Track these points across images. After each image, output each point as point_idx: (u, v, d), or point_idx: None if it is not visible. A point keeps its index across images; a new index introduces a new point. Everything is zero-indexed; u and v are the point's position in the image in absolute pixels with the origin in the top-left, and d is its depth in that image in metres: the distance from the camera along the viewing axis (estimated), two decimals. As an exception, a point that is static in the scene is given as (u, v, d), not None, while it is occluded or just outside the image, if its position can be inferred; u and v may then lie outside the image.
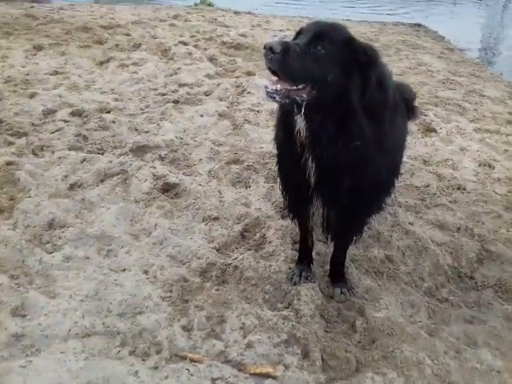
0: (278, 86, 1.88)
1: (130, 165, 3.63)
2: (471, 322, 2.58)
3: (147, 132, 4.30)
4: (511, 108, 5.77)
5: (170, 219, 3.09)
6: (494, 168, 4.21)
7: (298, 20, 9.66)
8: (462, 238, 3.18)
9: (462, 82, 6.54)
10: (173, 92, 5.24)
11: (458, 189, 3.82)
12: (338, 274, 2.71)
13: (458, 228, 3.30)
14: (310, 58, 1.88)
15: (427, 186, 3.82)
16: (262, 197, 3.48)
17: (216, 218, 3.16)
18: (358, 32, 8.76)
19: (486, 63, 8.74)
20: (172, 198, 3.36)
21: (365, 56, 1.94)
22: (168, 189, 3.45)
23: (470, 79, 6.78)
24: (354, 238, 2.60)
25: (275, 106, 5.01)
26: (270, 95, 1.89)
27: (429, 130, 4.88)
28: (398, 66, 6.94)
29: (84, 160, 3.65)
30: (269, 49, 1.79)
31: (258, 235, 3.05)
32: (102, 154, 3.81)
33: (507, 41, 11.25)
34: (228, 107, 5.00)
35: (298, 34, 2.03)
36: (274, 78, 1.91)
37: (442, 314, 2.64)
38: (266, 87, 1.90)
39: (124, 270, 2.66)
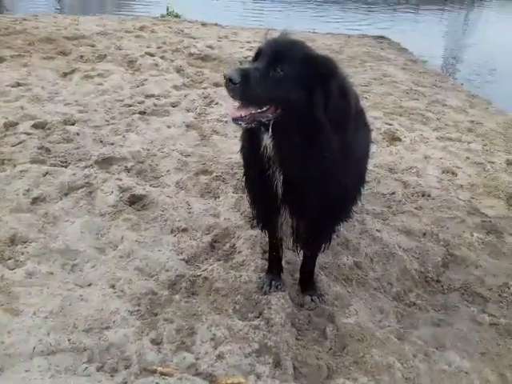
0: (242, 113, 1.89)
1: (95, 177, 3.55)
2: (439, 325, 2.63)
3: (113, 144, 4.24)
4: (472, 117, 5.98)
5: (137, 232, 3.04)
6: (456, 175, 4.33)
7: (265, 32, 9.78)
8: (428, 244, 3.25)
9: (425, 92, 6.74)
10: (139, 103, 5.19)
11: (423, 195, 3.92)
12: (307, 282, 2.71)
13: (424, 234, 3.38)
14: (271, 81, 1.90)
15: (393, 193, 3.90)
16: (231, 207, 3.46)
17: (185, 230, 3.12)
18: (324, 44, 8.96)
19: (448, 73, 9.07)
20: (139, 210, 3.31)
21: (323, 69, 1.97)
22: (135, 201, 3.39)
23: (433, 89, 7.00)
24: (323, 246, 2.61)
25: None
26: (235, 122, 1.92)
27: (394, 138, 5.00)
28: (363, 78, 7.11)
29: (47, 173, 3.54)
30: (228, 79, 1.80)
31: (227, 245, 3.03)
32: (66, 167, 3.72)
33: (468, 51, 11.71)
34: (196, 118, 4.99)
35: (257, 55, 2.03)
36: (237, 104, 1.92)
37: (410, 318, 2.68)
38: (230, 115, 1.92)
39: (90, 284, 2.58)
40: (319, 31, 10.55)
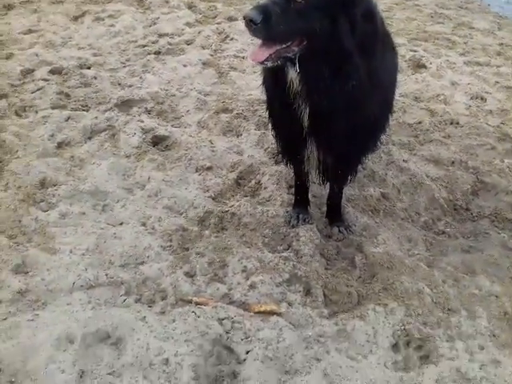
0: (267, 52, 1.83)
1: (117, 120, 3.53)
2: (468, 252, 2.63)
3: (131, 86, 4.16)
4: (501, 39, 5.65)
5: (162, 171, 3.05)
6: (485, 100, 4.16)
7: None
8: (457, 172, 3.19)
9: (450, 15, 6.35)
10: (153, 43, 5.03)
11: (451, 123, 3.80)
12: (335, 214, 2.72)
13: (453, 162, 3.30)
14: (293, 14, 1.80)
15: (420, 122, 3.79)
16: (254, 144, 3.43)
17: (209, 168, 3.12)
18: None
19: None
20: (163, 151, 3.30)
21: None
22: (158, 141, 3.38)
23: (458, 12, 6.59)
24: (350, 177, 2.59)
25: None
26: (261, 63, 1.87)
27: (419, 65, 4.77)
28: (384, 2, 6.71)
29: (69, 118, 3.54)
30: (249, 21, 1.72)
31: (252, 182, 3.03)
32: (87, 111, 3.69)
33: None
34: (212, 55, 4.84)
35: None
36: (260, 43, 1.85)
37: (439, 245, 2.68)
38: (255, 58, 1.86)
39: (121, 223, 2.64)
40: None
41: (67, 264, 2.27)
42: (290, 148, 2.47)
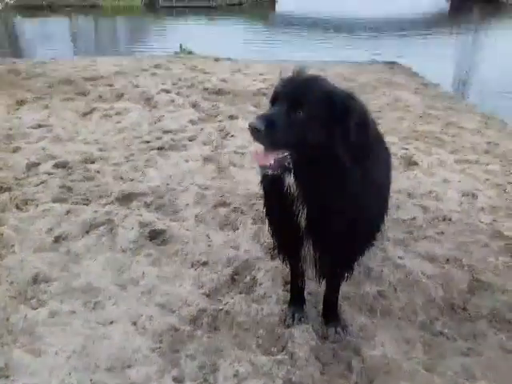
0: (271, 161, 1.94)
1: (116, 214, 3.61)
2: (467, 355, 2.55)
3: (132, 180, 4.32)
4: (488, 138, 5.93)
5: (158, 267, 3.05)
6: (477, 197, 4.27)
7: (276, 64, 9.98)
8: (452, 269, 3.19)
9: (439, 116, 6.73)
10: (157, 139, 5.30)
11: (444, 220, 3.86)
12: (331, 313, 2.67)
13: (447, 259, 3.31)
14: (292, 125, 1.93)
15: (413, 218, 3.86)
16: (251, 238, 3.47)
17: (205, 263, 3.13)
18: (335, 72, 9.06)
19: (460, 96, 9.06)
20: (159, 245, 3.33)
21: (342, 106, 1.97)
22: (155, 236, 3.42)
23: (447, 112, 6.99)
24: (346, 275, 2.59)
25: (259, 148, 5.13)
26: (263, 169, 1.99)
27: (410, 163, 4.97)
28: (375, 103, 7.14)
29: (69, 212, 3.62)
30: (254, 128, 1.87)
31: (248, 278, 3.02)
32: (87, 205, 3.79)
33: (479, 72, 11.72)
34: (212, 151, 5.06)
35: (275, 98, 2.05)
36: (263, 150, 1.98)
37: (437, 348, 2.60)
38: (259, 162, 1.99)
39: (112, 322, 2.59)
40: (330, 60, 10.71)
41: (51, 367, 2.20)
42: (286, 246, 2.50)
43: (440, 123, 6.40)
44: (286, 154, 1.96)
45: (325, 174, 2.00)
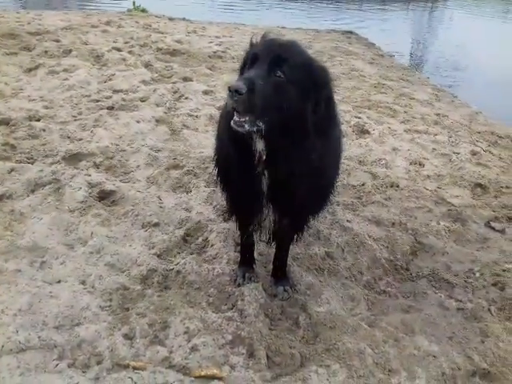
0: (246, 118, 1.86)
1: (63, 173, 3.47)
2: (408, 312, 2.70)
3: (80, 139, 4.15)
4: (438, 109, 6.14)
5: (107, 227, 2.99)
6: (423, 166, 4.44)
7: (234, 27, 9.76)
8: (397, 233, 3.33)
9: (393, 86, 6.87)
10: (106, 98, 5.09)
11: (392, 186, 4.00)
12: (280, 273, 2.74)
13: (393, 223, 3.45)
14: (272, 88, 1.87)
15: (363, 184, 3.97)
16: (204, 201, 3.45)
17: (156, 224, 3.09)
18: (294, 38, 8.98)
19: (414, 68, 9.27)
20: (109, 206, 3.25)
21: (319, 78, 1.96)
22: (104, 196, 3.33)
23: (400, 83, 7.14)
24: (298, 236, 2.65)
25: (213, 111, 5.03)
26: (238, 125, 1.88)
27: (362, 131, 5.08)
28: (332, 72, 7.16)
29: (12, 170, 3.45)
30: (234, 91, 1.77)
31: (200, 239, 3.02)
32: (32, 164, 3.62)
33: (433, 46, 11.99)
34: (165, 113, 4.94)
35: (254, 59, 1.97)
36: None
37: (380, 305, 2.74)
38: (234, 119, 1.88)
39: (59, 281, 2.53)
40: (288, 26, 10.58)
41: (-4, 325, 2.13)
42: (243, 210, 2.50)
43: (393, 94, 6.54)
44: (262, 118, 1.90)
45: (292, 140, 1.99)
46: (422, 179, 4.22)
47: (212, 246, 2.94)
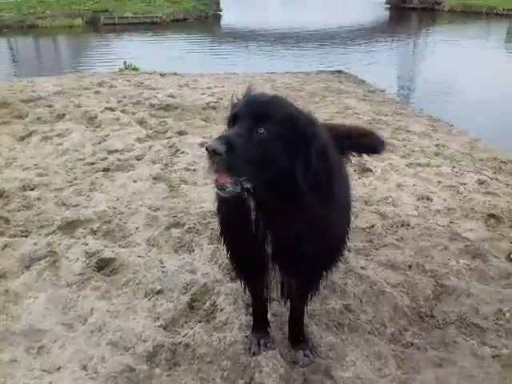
0: (228, 180, 1.73)
1: (59, 244, 3.32)
2: (441, 366, 2.47)
3: (76, 205, 4.02)
4: (436, 140, 6.06)
5: (107, 300, 2.79)
6: (432, 200, 4.29)
7: (225, 77, 9.89)
8: (416, 276, 3.13)
9: (388, 121, 6.83)
10: (102, 160, 5.02)
11: (402, 225, 3.83)
12: (298, 335, 2.52)
13: (410, 266, 3.26)
14: (254, 147, 1.75)
15: (372, 226, 3.80)
16: (208, 260, 3.28)
17: (160, 291, 2.90)
18: (284, 83, 9.09)
19: (406, 100, 9.34)
20: (109, 276, 3.07)
21: (304, 131, 1.84)
22: (103, 265, 3.15)
23: (394, 117, 7.11)
24: (313, 295, 2.45)
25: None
26: (220, 188, 1.75)
27: (364, 170, 4.96)
28: (325, 112, 7.17)
29: (6, 246, 3.30)
30: (212, 152, 1.65)
31: (207, 303, 2.82)
32: (27, 237, 3.47)
33: (421, 77, 12.14)
34: (162, 169, 4.84)
35: (234, 118, 1.87)
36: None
37: (410, 361, 2.51)
38: (216, 182, 1.75)
39: (59, 368, 2.32)
40: (278, 71, 10.74)
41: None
42: (249, 272, 2.33)
43: (389, 128, 6.49)
44: (245, 177, 1.77)
45: (284, 199, 1.84)
46: (432, 215, 4.05)
47: (221, 310, 2.74)
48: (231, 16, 27.83)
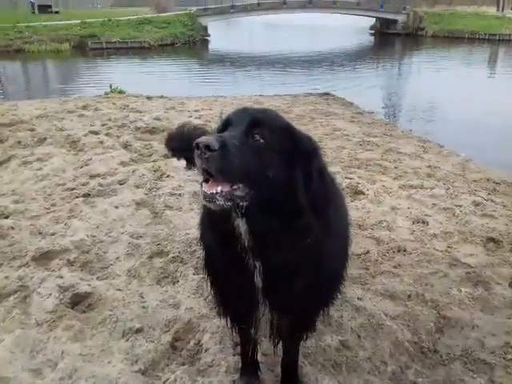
0: (219, 188, 1.50)
1: (32, 278, 3.06)
2: (448, 409, 2.25)
3: (53, 234, 3.77)
4: (428, 161, 5.94)
5: (80, 342, 2.52)
6: (427, 224, 4.12)
7: (213, 99, 9.78)
8: (416, 307, 2.92)
9: (378, 142, 6.72)
10: (83, 185, 4.79)
11: (399, 251, 3.64)
12: (292, 379, 2.28)
13: (409, 296, 3.06)
14: (249, 151, 1.55)
15: (367, 252, 3.61)
16: (193, 292, 3.04)
17: (139, 330, 2.64)
18: (272, 105, 8.99)
19: (392, 119, 9.34)
20: (84, 313, 2.81)
21: (306, 147, 1.67)
22: (78, 301, 2.90)
23: (384, 139, 7.01)
24: (308, 334, 2.22)
25: (197, 187, 4.73)
26: (209, 199, 1.50)
27: (356, 192, 4.79)
28: (314, 134, 7.04)
29: (-28, 280, 3.03)
30: (204, 147, 1.43)
31: (191, 343, 2.57)
32: (-3, 270, 3.21)
33: (407, 99, 12.17)
34: (146, 194, 4.62)
35: (226, 124, 1.68)
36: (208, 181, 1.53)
37: (414, 403, 2.28)
38: (204, 191, 1.51)
39: (22, 423, 2.05)
40: (265, 94, 10.67)
41: None
42: (235, 310, 2.08)
43: (380, 150, 6.37)
44: (239, 185, 1.53)
45: (282, 219, 1.62)
46: (429, 239, 3.87)
47: (206, 350, 2.49)
48: (219, 41, 28.10)
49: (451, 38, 27.28)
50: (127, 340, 2.57)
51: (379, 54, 23.73)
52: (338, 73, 16.75)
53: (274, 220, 1.62)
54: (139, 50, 24.16)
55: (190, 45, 26.94)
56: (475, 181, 5.32)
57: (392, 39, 28.89)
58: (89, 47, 24.06)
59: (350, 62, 20.21)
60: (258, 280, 1.77)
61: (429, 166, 5.75)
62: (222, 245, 1.77)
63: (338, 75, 16.12)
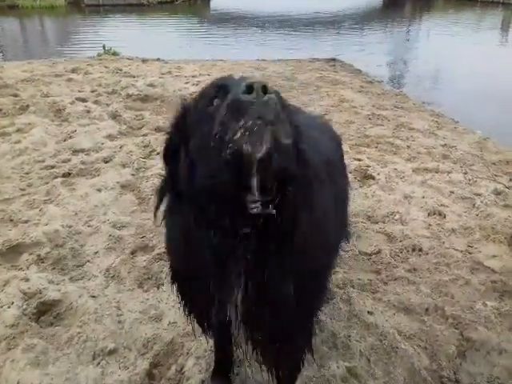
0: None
1: (-7, 280, 2.66)
2: None
3: (27, 221, 3.35)
4: (443, 140, 5.44)
5: (42, 367, 2.14)
6: (445, 216, 3.68)
7: (212, 64, 9.15)
8: (435, 325, 2.53)
9: (388, 116, 6.20)
10: (63, 162, 4.33)
11: (414, 250, 3.23)
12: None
13: (427, 309, 2.66)
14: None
15: (378, 252, 3.19)
16: (178, 300, 2.63)
17: (112, 352, 2.25)
18: (275, 71, 8.39)
19: (398, 86, 8.78)
20: (50, 326, 2.41)
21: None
22: (45, 310, 2.50)
23: (395, 112, 6.47)
24: (303, 358, 1.84)
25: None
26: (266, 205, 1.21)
27: (366, 177, 4.34)
28: (320, 105, 6.53)
29: None
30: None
31: (172, 369, 2.18)
32: (-46, 269, 2.81)
33: (418, 66, 11.47)
34: (133, 175, 4.17)
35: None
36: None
37: None
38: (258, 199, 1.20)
39: None
40: (268, 58, 10.00)
41: None
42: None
43: (390, 125, 5.86)
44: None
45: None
46: (446, 235, 3.45)
47: (188, 380, 2.11)
48: (221, -2, 26.79)
49: (464, 1, 25.98)
50: (97, 364, 2.18)
51: (387, 17, 22.58)
52: (344, 36, 15.85)
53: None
54: (137, 8, 22.97)
55: (191, 2, 25.67)
56: (494, 164, 4.85)
57: (401, 1, 27.53)
58: (84, 3, 22.88)
59: (357, 24, 19.18)
60: (238, 303, 1.47)
61: (444, 145, 5.26)
62: (202, 255, 1.39)
63: (344, 39, 15.24)
